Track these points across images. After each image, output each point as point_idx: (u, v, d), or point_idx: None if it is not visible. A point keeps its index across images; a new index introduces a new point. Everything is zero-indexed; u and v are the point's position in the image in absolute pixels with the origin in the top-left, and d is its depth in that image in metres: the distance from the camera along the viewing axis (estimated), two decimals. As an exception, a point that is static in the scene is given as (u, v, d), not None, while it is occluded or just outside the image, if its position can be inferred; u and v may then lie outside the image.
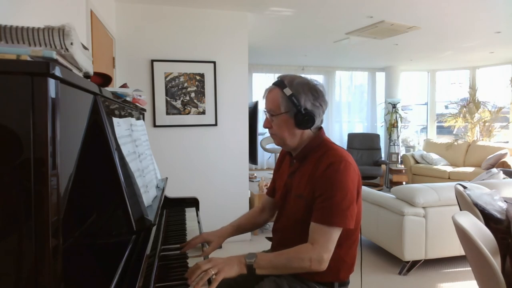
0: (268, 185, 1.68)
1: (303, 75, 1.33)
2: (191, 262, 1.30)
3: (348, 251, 1.30)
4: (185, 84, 3.58)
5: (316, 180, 1.24)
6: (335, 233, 1.19)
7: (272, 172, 1.96)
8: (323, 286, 1.31)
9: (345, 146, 7.14)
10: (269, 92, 1.33)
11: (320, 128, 1.38)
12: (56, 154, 0.59)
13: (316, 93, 1.29)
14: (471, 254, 1.55)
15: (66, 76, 0.64)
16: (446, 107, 7.48)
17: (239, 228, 1.57)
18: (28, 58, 0.65)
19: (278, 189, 1.48)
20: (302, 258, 1.17)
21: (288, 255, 1.19)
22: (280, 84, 1.29)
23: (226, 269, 1.12)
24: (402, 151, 7.33)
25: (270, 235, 1.55)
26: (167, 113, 3.55)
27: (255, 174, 5.30)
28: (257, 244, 3.70)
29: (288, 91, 1.26)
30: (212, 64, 3.63)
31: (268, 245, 1.56)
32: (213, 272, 1.08)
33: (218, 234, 1.49)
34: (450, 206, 2.86)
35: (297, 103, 1.26)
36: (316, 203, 1.22)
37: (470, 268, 1.72)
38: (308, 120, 1.27)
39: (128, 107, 1.43)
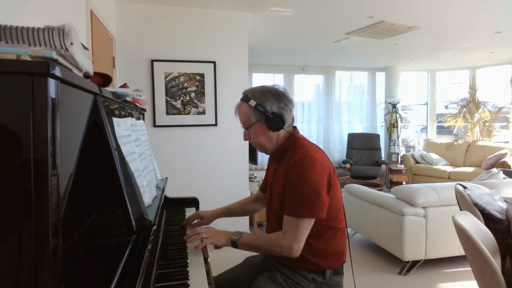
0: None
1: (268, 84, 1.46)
2: (191, 263, 1.31)
3: (331, 241, 1.39)
4: (185, 84, 3.58)
5: (287, 178, 1.35)
6: (304, 224, 1.29)
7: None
8: (315, 274, 1.38)
9: (345, 146, 7.15)
10: (238, 109, 1.45)
11: (294, 128, 1.49)
12: (56, 154, 0.59)
13: (278, 96, 1.40)
14: (471, 254, 1.55)
15: (66, 76, 0.64)
16: (446, 107, 7.48)
17: (231, 211, 1.74)
18: (28, 58, 0.65)
19: (268, 189, 1.58)
20: (274, 244, 1.32)
21: (265, 239, 1.38)
22: (244, 98, 1.42)
23: (216, 238, 1.36)
24: (402, 151, 7.33)
25: None
26: (167, 113, 3.55)
27: (255, 174, 5.30)
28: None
29: (252, 103, 1.39)
30: (212, 64, 3.63)
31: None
32: (204, 236, 1.35)
33: (210, 213, 1.70)
34: (450, 206, 2.86)
35: (263, 110, 1.37)
36: (286, 197, 1.34)
37: (470, 268, 1.72)
38: (278, 122, 1.38)
39: (128, 107, 1.43)
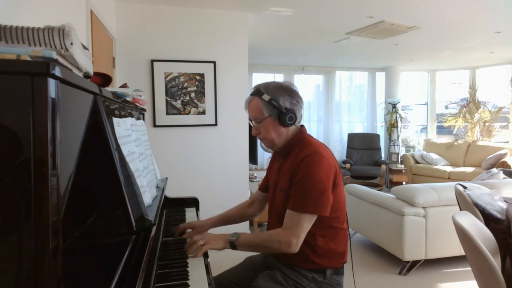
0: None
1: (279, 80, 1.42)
2: (191, 263, 1.31)
3: (333, 241, 1.39)
4: (185, 84, 3.58)
5: (294, 173, 1.34)
6: (305, 220, 1.29)
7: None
8: (316, 273, 1.38)
9: (345, 146, 7.14)
10: (249, 103, 1.43)
11: (302, 126, 1.49)
12: (56, 154, 0.59)
13: (291, 92, 1.41)
14: (471, 254, 1.55)
15: (66, 76, 0.64)
16: (446, 107, 7.47)
17: (226, 219, 1.68)
18: (28, 58, 0.65)
19: (270, 186, 1.56)
20: (273, 240, 1.32)
21: (263, 237, 1.37)
22: (257, 92, 1.40)
23: (213, 242, 1.35)
24: (402, 151, 7.33)
25: None
26: (167, 113, 3.55)
27: (255, 174, 5.29)
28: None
29: (266, 97, 1.37)
30: (212, 64, 3.63)
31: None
32: (201, 243, 1.33)
33: (204, 222, 1.63)
34: (450, 206, 2.86)
35: (277, 104, 1.36)
36: (291, 192, 1.34)
37: (470, 268, 1.72)
38: (291, 118, 1.38)
39: (128, 107, 1.43)
